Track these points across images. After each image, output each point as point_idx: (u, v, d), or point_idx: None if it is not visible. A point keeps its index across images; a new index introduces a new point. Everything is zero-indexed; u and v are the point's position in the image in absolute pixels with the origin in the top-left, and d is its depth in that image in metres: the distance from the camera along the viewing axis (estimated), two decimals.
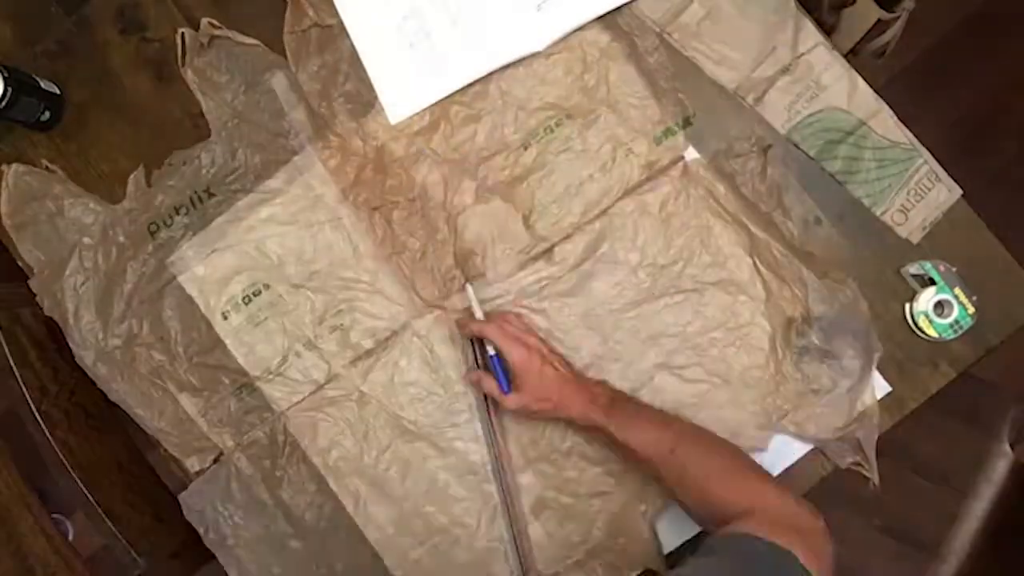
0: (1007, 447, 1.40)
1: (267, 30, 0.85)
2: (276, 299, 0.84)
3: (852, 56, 0.81)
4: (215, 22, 0.85)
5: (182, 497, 0.84)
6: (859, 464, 0.77)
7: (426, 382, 0.82)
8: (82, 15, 0.88)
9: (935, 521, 1.40)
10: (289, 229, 0.84)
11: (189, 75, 0.86)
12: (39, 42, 0.89)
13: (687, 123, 0.81)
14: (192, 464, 0.85)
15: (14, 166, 0.87)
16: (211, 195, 0.85)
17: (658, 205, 0.80)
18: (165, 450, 0.85)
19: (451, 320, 0.82)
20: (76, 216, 0.86)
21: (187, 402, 0.85)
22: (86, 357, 0.85)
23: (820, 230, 0.80)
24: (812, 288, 0.79)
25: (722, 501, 0.66)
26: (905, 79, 1.43)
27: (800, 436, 0.78)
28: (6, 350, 0.82)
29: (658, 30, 0.81)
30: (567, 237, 0.81)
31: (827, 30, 0.88)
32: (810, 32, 0.80)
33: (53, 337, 0.87)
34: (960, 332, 0.77)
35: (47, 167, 0.87)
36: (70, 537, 0.81)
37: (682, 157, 0.81)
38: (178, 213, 0.85)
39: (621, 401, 0.76)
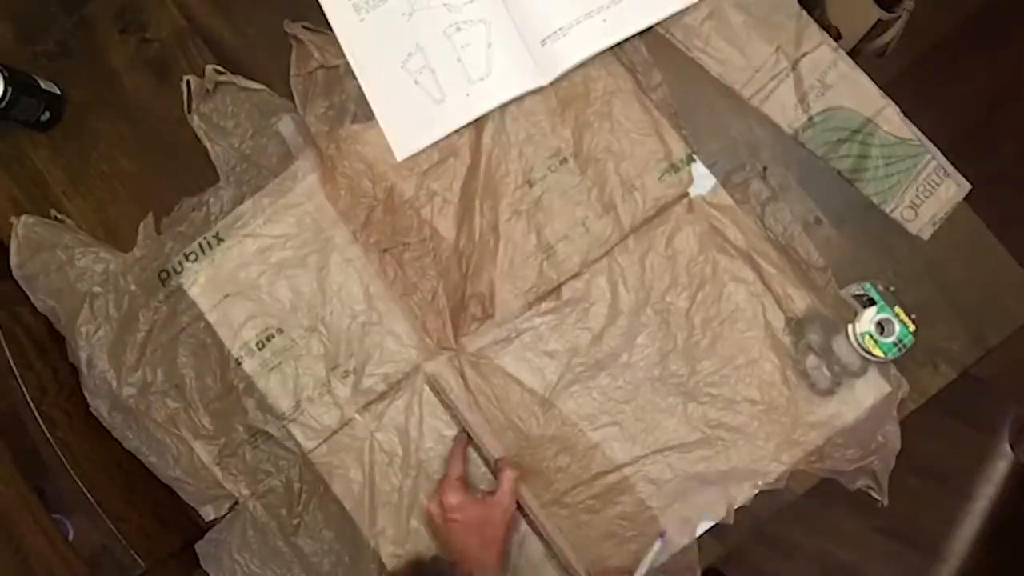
0: (1007, 447, 1.40)
1: (272, 72, 0.85)
2: (289, 344, 0.83)
3: (852, 57, 0.81)
4: (220, 68, 0.85)
5: (198, 546, 0.84)
6: (870, 487, 0.77)
7: (439, 425, 0.82)
8: (82, 15, 0.88)
9: (935, 521, 1.40)
10: (300, 272, 0.83)
11: (195, 121, 0.85)
12: (39, 42, 0.89)
13: (690, 159, 0.81)
14: (207, 512, 0.85)
15: (23, 217, 0.86)
16: (220, 240, 0.84)
17: (664, 243, 0.80)
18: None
19: (462, 363, 0.81)
20: (86, 265, 0.86)
21: (202, 450, 0.84)
22: (101, 407, 0.85)
23: (820, 231, 0.80)
24: (823, 322, 0.78)
25: None
26: (905, 80, 1.43)
27: (818, 469, 0.78)
28: (6, 350, 0.81)
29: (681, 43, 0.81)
30: (575, 276, 0.81)
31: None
32: (813, 31, 0.80)
33: (53, 337, 0.87)
34: (904, 351, 0.77)
35: (56, 216, 0.87)
36: (70, 537, 0.80)
37: (687, 193, 0.81)
38: (188, 259, 0.85)
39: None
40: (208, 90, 0.86)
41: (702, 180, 0.81)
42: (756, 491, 0.78)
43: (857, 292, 0.78)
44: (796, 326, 0.79)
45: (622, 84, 0.81)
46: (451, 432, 0.82)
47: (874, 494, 0.77)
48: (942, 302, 0.79)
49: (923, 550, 1.38)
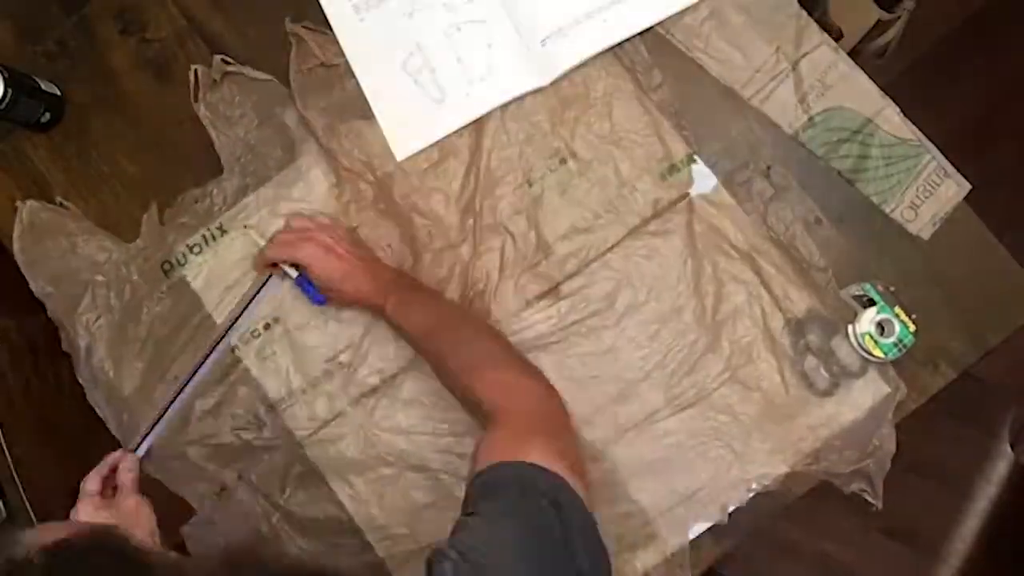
0: (1007, 447, 1.41)
1: (271, 71, 0.85)
2: (284, 334, 0.83)
3: (852, 57, 0.81)
4: (227, 58, 0.85)
5: (184, 529, 0.84)
6: (864, 491, 0.77)
7: (430, 418, 0.82)
8: (82, 15, 0.88)
9: (935, 521, 1.40)
10: None
11: (202, 110, 0.86)
12: (39, 42, 0.89)
13: (691, 159, 0.81)
14: (197, 500, 0.84)
15: (28, 203, 0.87)
16: (224, 232, 0.85)
17: (663, 243, 0.80)
18: None
19: None
20: (89, 254, 0.86)
21: (195, 436, 0.84)
22: (97, 396, 0.85)
23: (820, 231, 0.80)
24: (822, 323, 0.78)
25: (477, 394, 0.68)
26: (905, 80, 1.43)
27: (814, 471, 0.78)
28: None
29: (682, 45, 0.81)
30: (573, 275, 0.81)
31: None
32: (813, 31, 0.80)
33: (31, 349, 0.86)
34: (904, 351, 0.77)
35: (61, 203, 0.87)
36: None
37: (687, 194, 0.81)
38: (191, 251, 0.85)
39: (400, 282, 0.77)
40: (215, 80, 0.86)
41: (703, 180, 0.81)
42: (751, 494, 0.78)
43: (857, 292, 0.78)
44: (796, 326, 0.79)
45: (622, 84, 0.81)
46: (444, 427, 0.81)
47: (868, 498, 0.77)
48: (942, 302, 0.79)
49: (923, 550, 1.38)
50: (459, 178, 0.83)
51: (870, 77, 0.80)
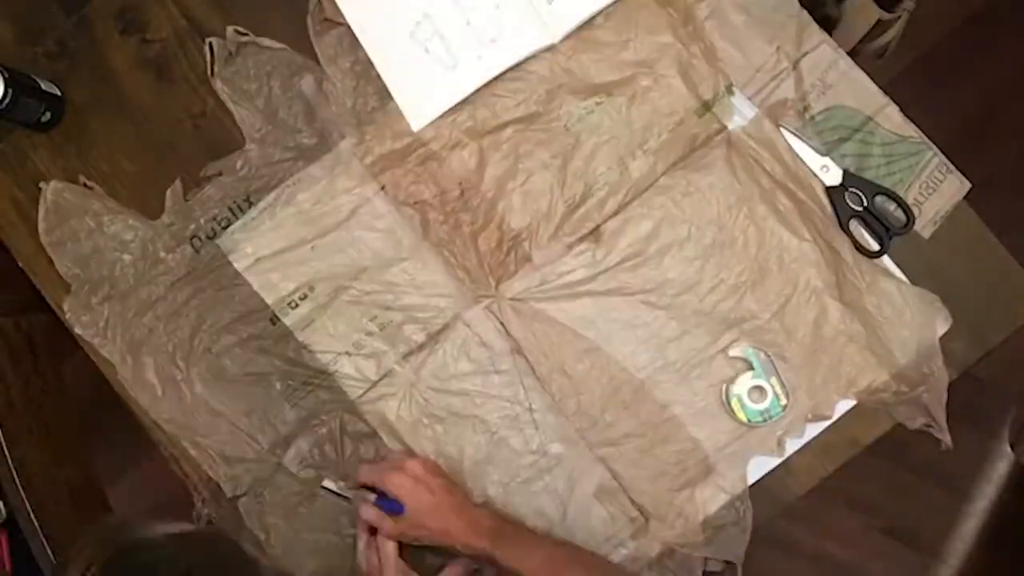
0: (1007, 447, 1.41)
1: (279, 34, 0.85)
2: (324, 300, 0.83)
3: (852, 57, 0.81)
4: (241, 29, 0.85)
5: (241, 502, 0.82)
6: (929, 426, 0.77)
7: (479, 371, 0.82)
8: (82, 15, 0.88)
9: (935, 521, 1.40)
10: (333, 229, 0.84)
11: (219, 85, 0.85)
12: (39, 42, 0.89)
13: (729, 91, 0.80)
14: (234, 476, 0.84)
15: (52, 183, 0.86)
16: (251, 203, 0.85)
17: (703, 178, 0.80)
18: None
19: (502, 309, 0.82)
20: (115, 232, 0.86)
21: (238, 411, 0.84)
22: (133, 385, 0.85)
23: None
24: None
25: None
26: (905, 80, 1.43)
27: (870, 402, 0.78)
28: None
29: None
30: (613, 215, 0.81)
31: (831, 25, 0.88)
32: (813, 31, 0.80)
33: (32, 349, 0.86)
34: (768, 420, 0.78)
35: (85, 183, 0.87)
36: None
37: (725, 127, 0.80)
38: (219, 224, 0.85)
39: (505, 526, 0.76)
40: (230, 53, 0.85)
41: (742, 111, 0.80)
42: (805, 424, 0.78)
43: (736, 354, 0.79)
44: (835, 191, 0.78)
45: (660, 21, 0.81)
46: (492, 379, 0.81)
47: (935, 433, 0.77)
48: (942, 302, 0.79)
49: (923, 550, 1.38)
50: (493, 127, 0.82)
51: (870, 77, 0.80)
